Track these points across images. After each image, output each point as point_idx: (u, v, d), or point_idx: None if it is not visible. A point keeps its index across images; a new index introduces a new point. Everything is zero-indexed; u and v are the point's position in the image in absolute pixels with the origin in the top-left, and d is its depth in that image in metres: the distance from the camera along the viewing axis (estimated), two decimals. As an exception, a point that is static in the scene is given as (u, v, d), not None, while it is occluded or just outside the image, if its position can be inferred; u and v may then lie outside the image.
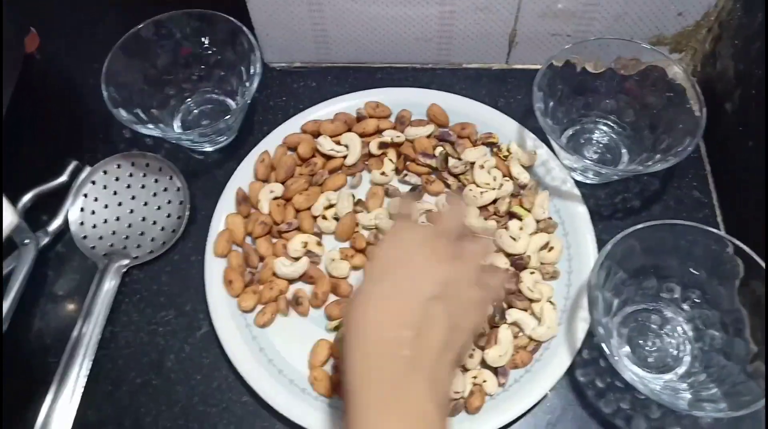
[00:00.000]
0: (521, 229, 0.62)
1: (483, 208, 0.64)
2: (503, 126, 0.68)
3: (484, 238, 0.51)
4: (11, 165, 0.67)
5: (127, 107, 0.64)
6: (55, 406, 0.57)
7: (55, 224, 0.65)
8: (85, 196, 0.67)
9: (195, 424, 0.58)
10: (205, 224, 0.64)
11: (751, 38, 0.63)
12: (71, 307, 0.63)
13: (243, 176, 0.66)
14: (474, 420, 0.56)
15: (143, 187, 0.67)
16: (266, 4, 0.68)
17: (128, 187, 0.67)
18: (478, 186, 0.64)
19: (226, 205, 0.65)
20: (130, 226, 0.66)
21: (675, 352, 0.58)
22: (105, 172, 0.67)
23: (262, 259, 0.63)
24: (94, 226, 0.66)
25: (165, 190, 0.67)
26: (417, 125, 0.68)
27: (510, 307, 0.60)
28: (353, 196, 0.65)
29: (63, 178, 0.67)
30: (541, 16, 0.68)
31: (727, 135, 0.66)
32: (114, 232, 0.65)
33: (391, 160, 0.66)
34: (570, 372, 0.58)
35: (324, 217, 0.64)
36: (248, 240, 0.64)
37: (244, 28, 0.66)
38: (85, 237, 0.65)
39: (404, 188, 0.66)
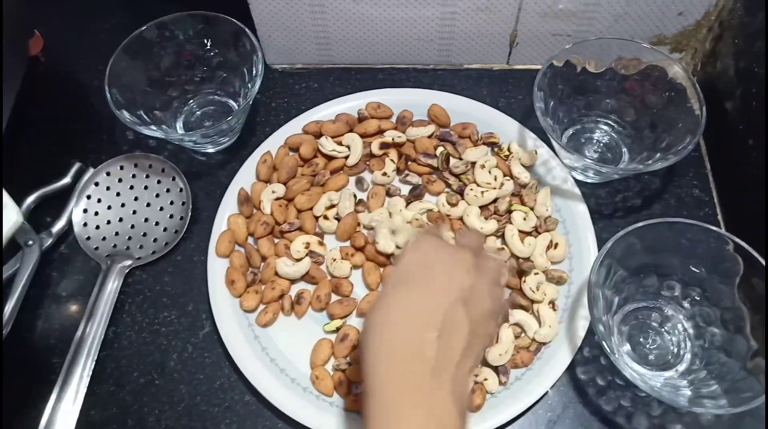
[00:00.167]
0: (525, 219, 0.63)
1: (484, 207, 0.64)
2: (504, 126, 0.68)
3: (497, 257, 0.52)
4: (15, 166, 0.68)
5: (130, 109, 0.65)
6: (59, 406, 0.57)
7: (59, 225, 0.66)
8: (89, 197, 0.67)
9: (198, 423, 0.58)
10: (207, 225, 0.65)
11: (752, 37, 0.63)
12: (75, 307, 0.63)
13: (245, 177, 0.67)
14: (475, 418, 0.56)
15: (146, 188, 0.67)
16: (268, 6, 0.68)
17: (131, 188, 0.67)
18: (479, 185, 0.64)
19: (228, 206, 0.65)
20: (133, 227, 0.66)
21: (675, 350, 0.58)
22: (108, 174, 0.68)
23: (264, 259, 0.63)
24: (98, 227, 0.66)
25: (168, 191, 0.67)
26: (418, 125, 0.68)
27: (512, 307, 0.60)
28: (354, 196, 0.65)
29: (66, 179, 0.67)
30: (541, 16, 0.68)
31: (727, 134, 0.66)
32: (117, 233, 0.66)
33: (392, 160, 0.67)
34: (571, 370, 0.58)
35: (326, 218, 0.64)
36: (250, 240, 0.64)
37: (247, 30, 0.66)
38: (88, 238, 0.66)
39: (405, 188, 0.66)
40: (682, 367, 0.57)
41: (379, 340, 0.43)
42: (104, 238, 0.65)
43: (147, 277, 0.64)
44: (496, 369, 0.57)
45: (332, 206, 0.65)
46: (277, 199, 0.65)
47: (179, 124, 0.71)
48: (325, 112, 0.70)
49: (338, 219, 0.65)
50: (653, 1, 0.66)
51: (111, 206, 0.67)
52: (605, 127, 0.68)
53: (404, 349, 0.43)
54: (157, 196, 0.67)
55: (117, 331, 0.62)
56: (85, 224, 0.66)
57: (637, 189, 0.67)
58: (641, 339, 0.59)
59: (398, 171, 0.67)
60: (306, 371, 0.58)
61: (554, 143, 0.64)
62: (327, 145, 0.67)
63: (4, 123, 0.65)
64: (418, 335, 0.43)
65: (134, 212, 0.67)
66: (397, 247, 0.61)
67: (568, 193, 0.65)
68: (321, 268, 0.63)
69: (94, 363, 0.59)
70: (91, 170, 0.68)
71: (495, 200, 0.64)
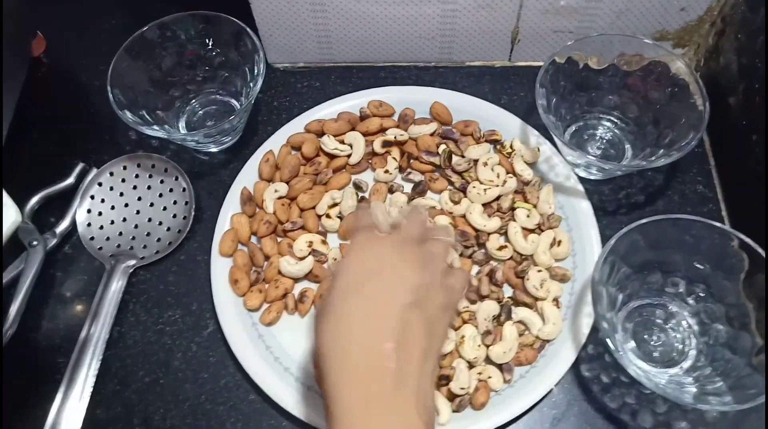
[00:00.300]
0: (528, 217, 0.63)
1: (486, 205, 0.64)
2: (506, 123, 0.68)
3: (444, 239, 0.50)
4: (18, 167, 0.68)
5: (133, 109, 0.65)
6: (65, 406, 0.57)
7: (63, 226, 0.66)
8: (92, 197, 0.67)
9: (203, 422, 0.58)
10: (210, 224, 0.65)
11: (755, 32, 0.63)
12: (79, 307, 0.63)
13: (248, 176, 0.67)
14: (480, 416, 0.56)
15: (149, 188, 0.68)
16: (270, 6, 0.68)
17: (134, 188, 0.68)
18: (481, 183, 0.64)
19: (231, 205, 0.65)
20: (136, 226, 0.66)
21: (680, 347, 0.58)
22: (111, 174, 0.68)
23: (267, 258, 0.63)
24: (101, 228, 0.66)
25: (171, 190, 0.67)
26: (420, 123, 0.68)
27: (516, 304, 0.60)
28: (357, 195, 0.65)
29: (70, 180, 0.67)
30: (543, 12, 0.68)
31: (730, 129, 0.66)
32: (121, 233, 0.66)
33: (394, 158, 0.67)
34: (575, 367, 0.58)
35: (328, 216, 0.64)
36: (253, 239, 0.65)
37: (248, 30, 0.66)
38: (92, 238, 0.66)
39: (408, 186, 0.66)
40: (686, 364, 0.57)
41: (338, 363, 0.42)
42: (108, 238, 0.66)
43: (151, 276, 0.65)
44: (500, 367, 0.57)
45: (335, 205, 0.65)
46: (280, 198, 0.65)
47: (182, 124, 0.71)
48: (327, 110, 0.70)
49: (341, 217, 0.65)
50: (655, -4, 0.66)
51: (114, 206, 0.67)
52: (608, 124, 0.68)
53: (366, 370, 0.41)
54: (161, 195, 0.67)
55: (121, 331, 0.62)
56: (89, 224, 0.66)
57: (641, 185, 0.67)
58: (646, 336, 0.59)
59: (400, 169, 0.67)
60: (310, 370, 0.58)
61: (557, 140, 0.64)
62: (329, 143, 0.67)
63: (7, 124, 0.65)
64: (377, 349, 0.42)
65: (138, 212, 0.67)
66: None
67: (571, 190, 0.65)
68: (324, 267, 0.63)
69: (99, 362, 0.59)
70: (95, 171, 0.68)
71: (498, 198, 0.64)
